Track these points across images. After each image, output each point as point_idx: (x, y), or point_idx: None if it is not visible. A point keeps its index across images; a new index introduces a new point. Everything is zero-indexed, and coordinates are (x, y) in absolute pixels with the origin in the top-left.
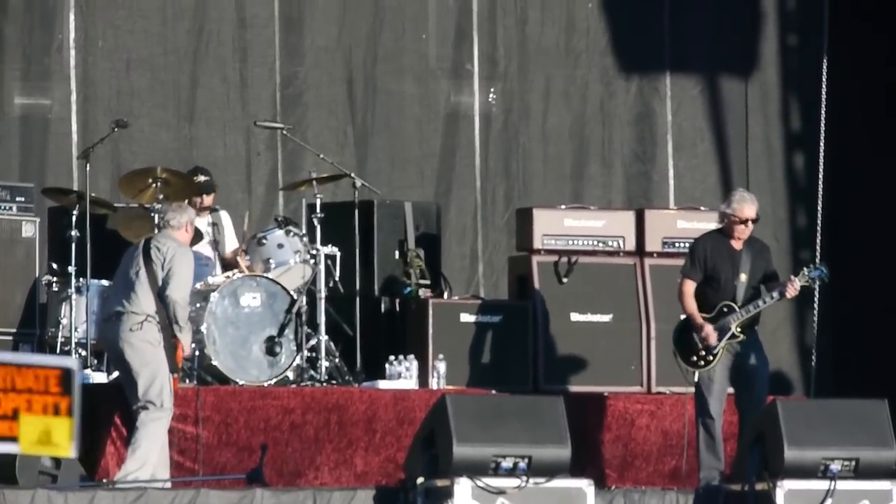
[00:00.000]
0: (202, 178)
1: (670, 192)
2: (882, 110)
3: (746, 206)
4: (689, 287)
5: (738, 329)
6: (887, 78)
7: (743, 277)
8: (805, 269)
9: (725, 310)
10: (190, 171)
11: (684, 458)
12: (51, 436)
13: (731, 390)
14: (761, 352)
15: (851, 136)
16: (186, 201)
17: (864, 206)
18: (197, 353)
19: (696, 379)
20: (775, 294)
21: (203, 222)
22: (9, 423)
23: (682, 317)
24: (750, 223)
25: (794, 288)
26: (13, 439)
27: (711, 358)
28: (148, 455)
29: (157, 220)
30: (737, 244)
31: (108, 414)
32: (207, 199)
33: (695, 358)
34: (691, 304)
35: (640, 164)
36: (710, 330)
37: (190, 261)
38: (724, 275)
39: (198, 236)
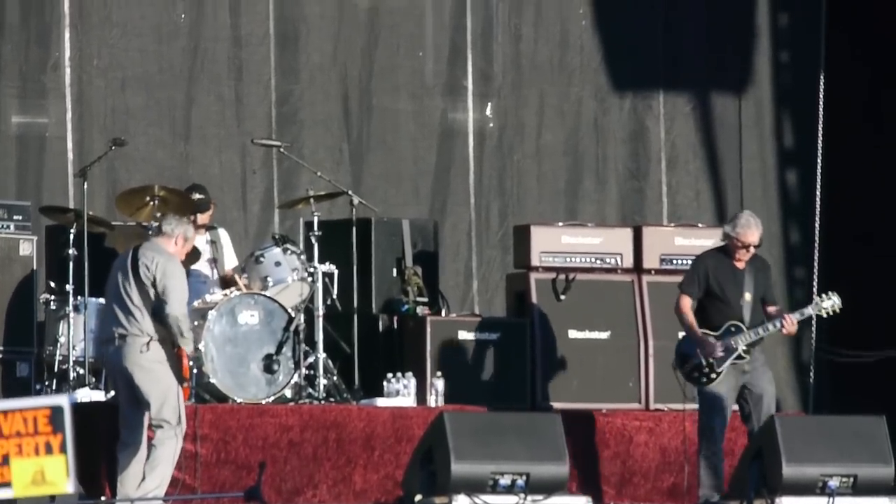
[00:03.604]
0: (197, 197)
1: (664, 209)
2: (874, 125)
3: (750, 231)
4: (686, 302)
5: (744, 350)
6: (879, 93)
7: (748, 297)
8: (817, 297)
9: (733, 329)
10: (186, 189)
11: (685, 474)
12: (45, 475)
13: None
14: (768, 372)
15: (845, 152)
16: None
17: (858, 221)
18: (195, 370)
19: (694, 394)
20: (777, 323)
21: (201, 240)
22: (1, 470)
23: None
24: (752, 248)
25: (790, 323)
26: (6, 485)
27: (714, 375)
28: (166, 473)
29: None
30: (739, 263)
31: (104, 432)
32: (202, 218)
33: (696, 374)
34: (689, 318)
35: (634, 181)
36: (711, 342)
37: (180, 271)
38: (729, 294)
39: (195, 255)
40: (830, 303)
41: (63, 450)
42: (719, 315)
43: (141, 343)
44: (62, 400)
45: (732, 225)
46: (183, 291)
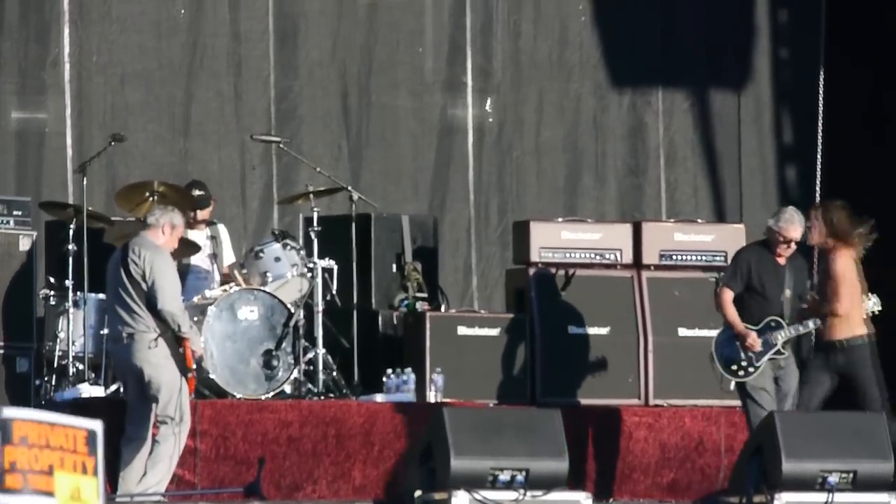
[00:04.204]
0: (197, 193)
1: (662, 206)
2: (875, 122)
3: (793, 226)
4: (728, 296)
5: (782, 346)
6: (879, 90)
7: (788, 293)
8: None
9: (773, 325)
10: (186, 185)
11: (684, 470)
12: (80, 493)
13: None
14: (796, 370)
15: (844, 148)
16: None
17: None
18: (195, 365)
19: (730, 387)
20: (817, 321)
21: (201, 235)
22: (46, 478)
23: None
24: (793, 244)
25: None
26: (51, 494)
27: (752, 370)
28: (167, 469)
29: None
30: (780, 259)
31: (105, 427)
32: (202, 214)
33: (735, 367)
34: (731, 312)
35: (633, 177)
36: (754, 337)
37: (168, 263)
38: (770, 289)
39: (195, 248)
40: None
41: (96, 472)
42: (759, 309)
43: (149, 339)
44: (97, 425)
45: (776, 219)
46: (173, 285)
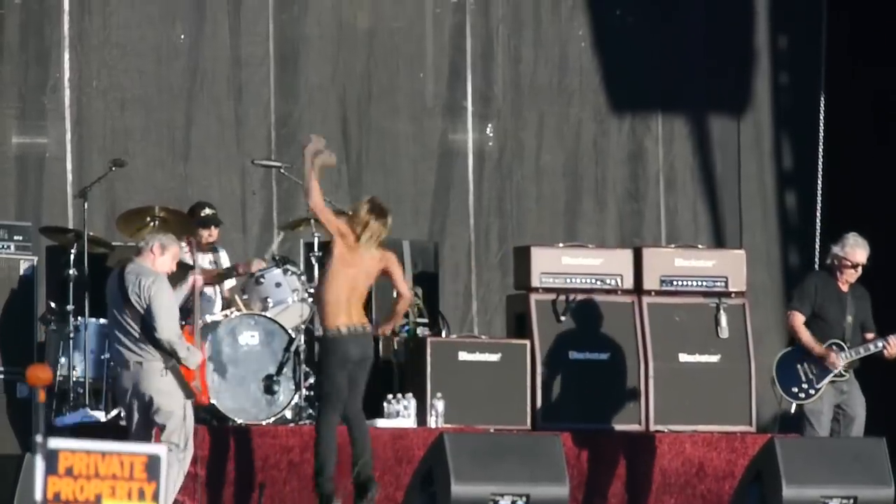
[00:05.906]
0: (209, 212)
1: (662, 231)
2: (875, 147)
3: (859, 251)
4: (800, 319)
5: (844, 368)
6: (879, 115)
7: (849, 319)
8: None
9: (835, 348)
10: (194, 205)
11: (685, 496)
12: None
13: None
14: (862, 396)
15: (844, 174)
16: (187, 238)
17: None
18: (199, 384)
19: (791, 410)
20: (880, 343)
21: (205, 260)
22: None
23: (788, 347)
24: (859, 268)
25: (893, 344)
26: None
27: (813, 392)
28: (169, 495)
29: None
30: (843, 286)
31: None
32: (214, 232)
33: (795, 389)
34: (806, 335)
35: (633, 202)
36: (834, 357)
37: (167, 291)
38: (832, 314)
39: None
40: None
41: (156, 498)
42: (820, 334)
43: (159, 367)
44: (161, 449)
45: (841, 245)
46: (169, 312)
